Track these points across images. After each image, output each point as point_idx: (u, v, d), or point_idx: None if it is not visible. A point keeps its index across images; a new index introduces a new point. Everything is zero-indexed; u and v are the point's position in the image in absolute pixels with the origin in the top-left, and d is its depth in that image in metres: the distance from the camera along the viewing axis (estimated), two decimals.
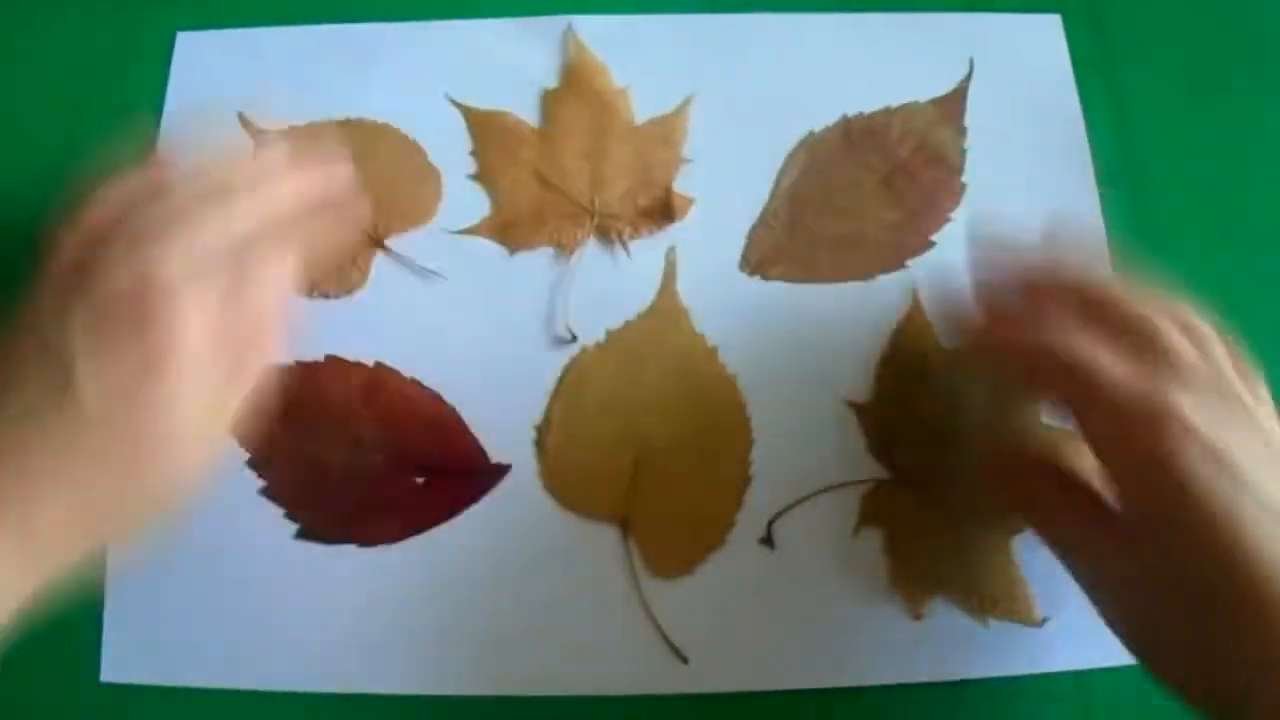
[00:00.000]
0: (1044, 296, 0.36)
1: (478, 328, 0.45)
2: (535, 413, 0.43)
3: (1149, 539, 0.32)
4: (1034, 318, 0.36)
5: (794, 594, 0.41)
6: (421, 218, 0.46)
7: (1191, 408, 0.31)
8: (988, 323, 0.38)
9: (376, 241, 0.46)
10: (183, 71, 0.49)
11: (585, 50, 0.49)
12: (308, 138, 0.47)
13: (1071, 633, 0.41)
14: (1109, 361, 0.33)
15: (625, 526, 0.42)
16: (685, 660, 0.41)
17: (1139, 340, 0.34)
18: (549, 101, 0.48)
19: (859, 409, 0.43)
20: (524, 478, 0.43)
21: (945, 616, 0.41)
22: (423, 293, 0.45)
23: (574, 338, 0.44)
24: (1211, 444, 0.31)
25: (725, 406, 0.43)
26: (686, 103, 0.48)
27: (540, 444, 0.43)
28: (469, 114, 0.48)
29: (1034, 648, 0.41)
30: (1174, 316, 0.35)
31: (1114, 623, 0.34)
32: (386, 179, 0.46)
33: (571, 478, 0.43)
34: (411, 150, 0.47)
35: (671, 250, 0.46)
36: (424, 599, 0.41)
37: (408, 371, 0.44)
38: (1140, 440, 0.32)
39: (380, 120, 0.48)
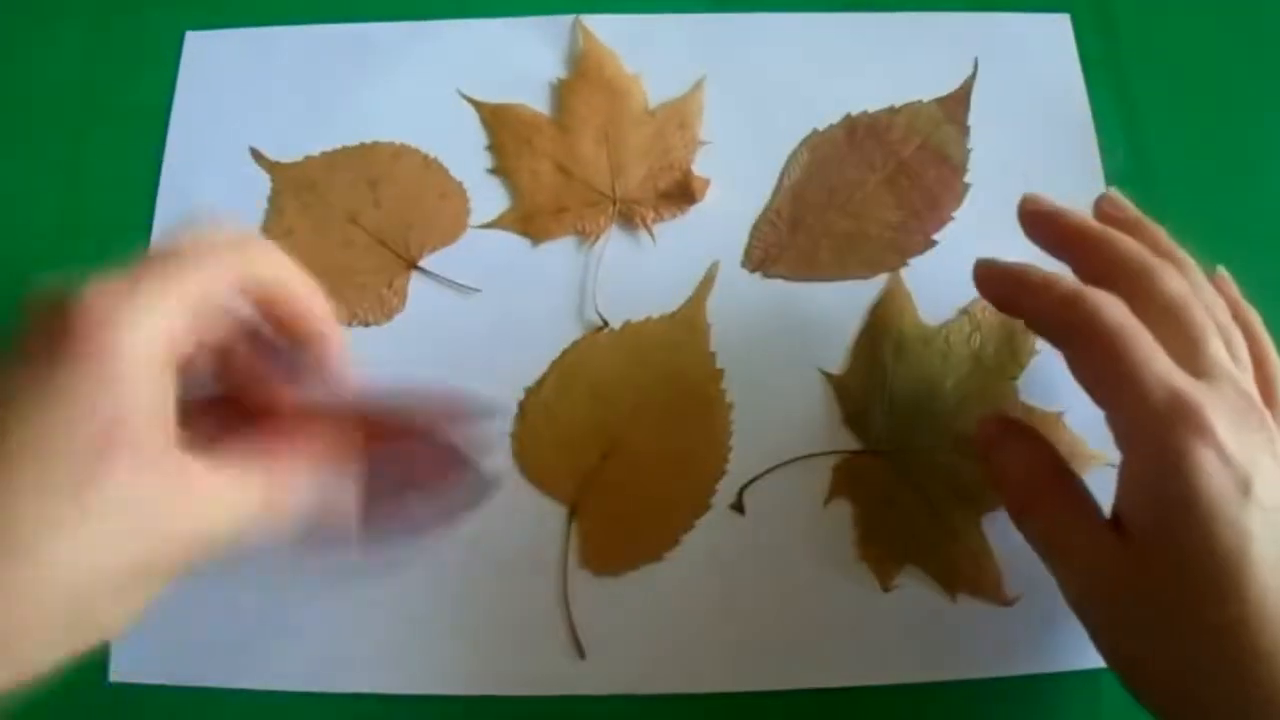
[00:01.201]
0: (1094, 255, 0.35)
1: (508, 321, 0.45)
2: None
3: (1148, 545, 0.31)
4: (1083, 272, 0.35)
5: (719, 601, 0.41)
6: (452, 234, 0.46)
7: (1218, 416, 0.30)
8: (1026, 272, 0.35)
9: (410, 263, 0.46)
10: (191, 71, 0.49)
11: (594, 39, 0.49)
12: None
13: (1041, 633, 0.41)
14: (1150, 344, 0.31)
15: (574, 513, 0.42)
16: (583, 655, 0.40)
17: (1181, 334, 0.32)
18: (561, 91, 0.48)
19: (833, 379, 0.44)
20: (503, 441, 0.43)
21: (915, 593, 0.41)
22: (462, 307, 0.45)
23: (606, 323, 0.44)
24: (1232, 455, 0.29)
25: (710, 436, 0.43)
26: (700, 84, 0.48)
27: (523, 406, 0.43)
28: (482, 108, 0.48)
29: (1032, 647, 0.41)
30: (1215, 316, 0.33)
31: (1095, 632, 0.33)
32: (410, 200, 0.47)
33: (540, 448, 0.43)
34: (432, 168, 0.47)
35: (715, 265, 0.45)
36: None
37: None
38: (1161, 434, 0.30)
39: (398, 141, 0.48)
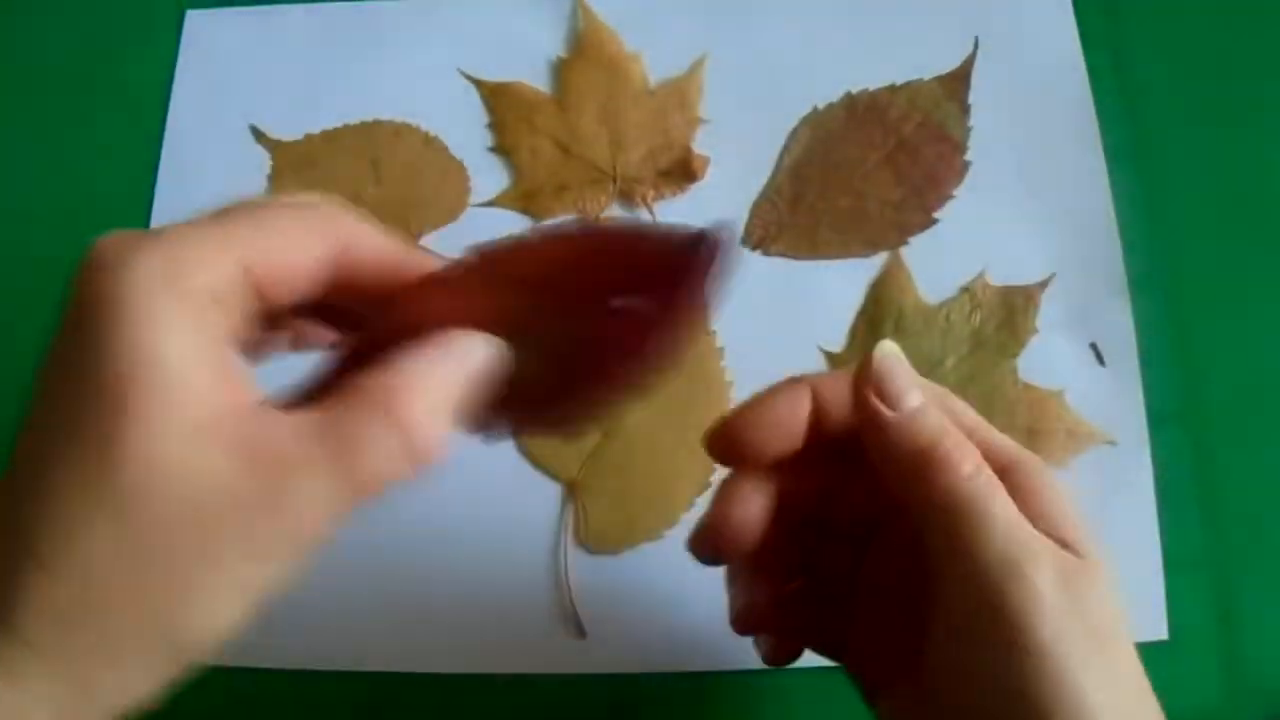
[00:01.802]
0: None
1: None
2: None
3: None
4: None
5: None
6: (452, 212, 0.46)
7: None
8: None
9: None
10: (192, 51, 0.49)
11: (595, 17, 0.49)
12: None
13: None
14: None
15: (574, 491, 0.42)
16: (583, 634, 0.40)
17: None
18: (561, 70, 0.48)
19: (833, 358, 0.44)
20: None
21: None
22: None
23: None
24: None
25: (710, 413, 0.41)
26: (700, 63, 0.48)
27: None
28: (482, 86, 0.48)
29: None
30: None
31: None
32: (411, 178, 0.47)
33: None
34: (432, 146, 0.48)
35: None
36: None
37: None
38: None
39: (398, 119, 0.48)
